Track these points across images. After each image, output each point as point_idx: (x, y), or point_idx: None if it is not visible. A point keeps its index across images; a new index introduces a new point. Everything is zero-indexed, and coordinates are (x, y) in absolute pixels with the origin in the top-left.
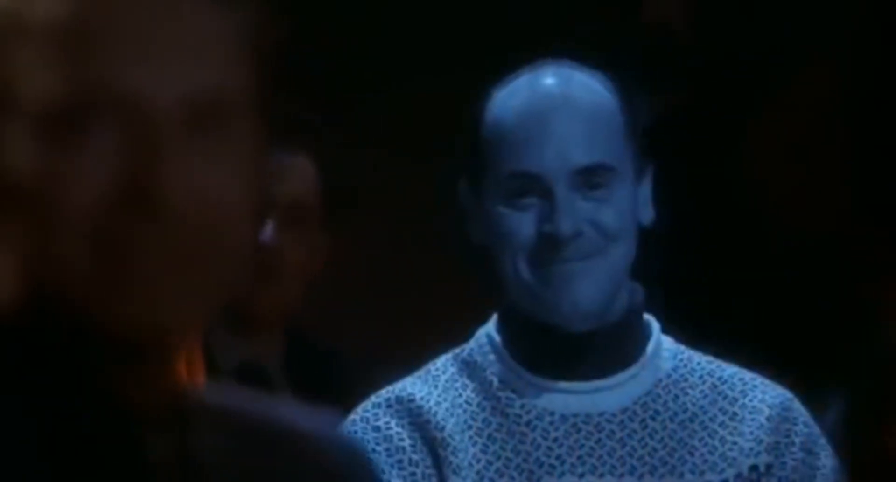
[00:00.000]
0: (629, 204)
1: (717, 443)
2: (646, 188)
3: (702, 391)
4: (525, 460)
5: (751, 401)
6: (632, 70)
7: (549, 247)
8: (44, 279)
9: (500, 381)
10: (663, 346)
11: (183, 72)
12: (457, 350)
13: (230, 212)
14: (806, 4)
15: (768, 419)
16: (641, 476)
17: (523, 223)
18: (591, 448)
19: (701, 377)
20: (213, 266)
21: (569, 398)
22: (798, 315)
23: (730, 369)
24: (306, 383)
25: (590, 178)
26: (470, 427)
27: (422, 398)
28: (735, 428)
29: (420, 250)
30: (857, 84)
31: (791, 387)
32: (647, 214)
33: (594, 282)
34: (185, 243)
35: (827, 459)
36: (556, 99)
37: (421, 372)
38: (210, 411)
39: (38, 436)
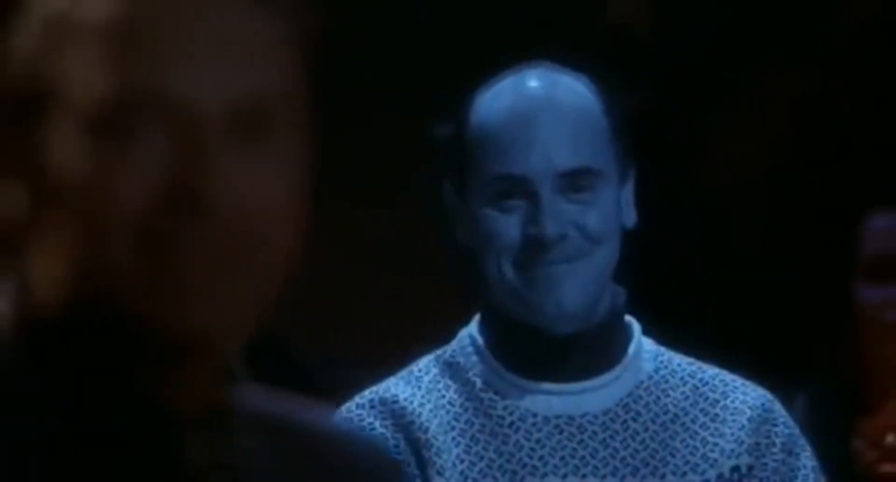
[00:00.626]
0: (613, 206)
1: (698, 444)
2: (628, 190)
3: (683, 392)
4: (508, 461)
5: (732, 402)
6: (596, 73)
7: (533, 250)
8: (90, 280)
9: (483, 382)
10: (644, 348)
11: (229, 75)
12: (439, 351)
13: (274, 216)
14: (768, 8)
15: (749, 420)
16: (623, 477)
17: (508, 225)
18: (574, 449)
19: (682, 379)
20: (257, 270)
21: (551, 399)
22: (762, 315)
23: (710, 371)
24: (268, 380)
25: (575, 180)
26: (453, 428)
27: (405, 399)
28: (716, 429)
29: (393, 250)
30: (823, 86)
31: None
32: (630, 217)
33: (578, 285)
34: (230, 247)
35: (807, 460)
36: (542, 101)
37: (403, 373)
38: (248, 414)
39: (80, 436)
